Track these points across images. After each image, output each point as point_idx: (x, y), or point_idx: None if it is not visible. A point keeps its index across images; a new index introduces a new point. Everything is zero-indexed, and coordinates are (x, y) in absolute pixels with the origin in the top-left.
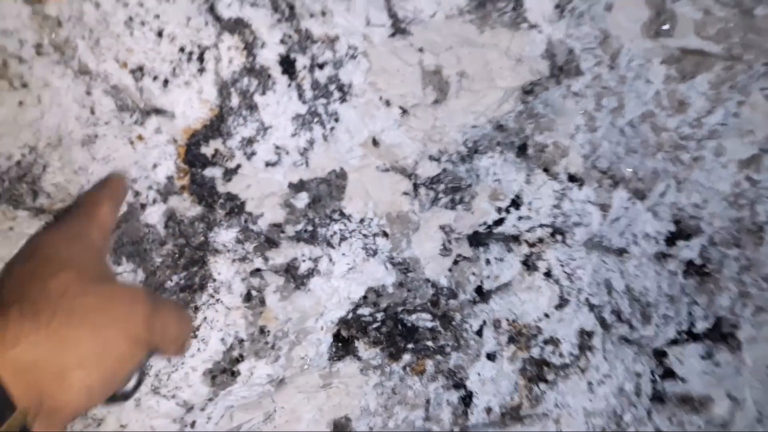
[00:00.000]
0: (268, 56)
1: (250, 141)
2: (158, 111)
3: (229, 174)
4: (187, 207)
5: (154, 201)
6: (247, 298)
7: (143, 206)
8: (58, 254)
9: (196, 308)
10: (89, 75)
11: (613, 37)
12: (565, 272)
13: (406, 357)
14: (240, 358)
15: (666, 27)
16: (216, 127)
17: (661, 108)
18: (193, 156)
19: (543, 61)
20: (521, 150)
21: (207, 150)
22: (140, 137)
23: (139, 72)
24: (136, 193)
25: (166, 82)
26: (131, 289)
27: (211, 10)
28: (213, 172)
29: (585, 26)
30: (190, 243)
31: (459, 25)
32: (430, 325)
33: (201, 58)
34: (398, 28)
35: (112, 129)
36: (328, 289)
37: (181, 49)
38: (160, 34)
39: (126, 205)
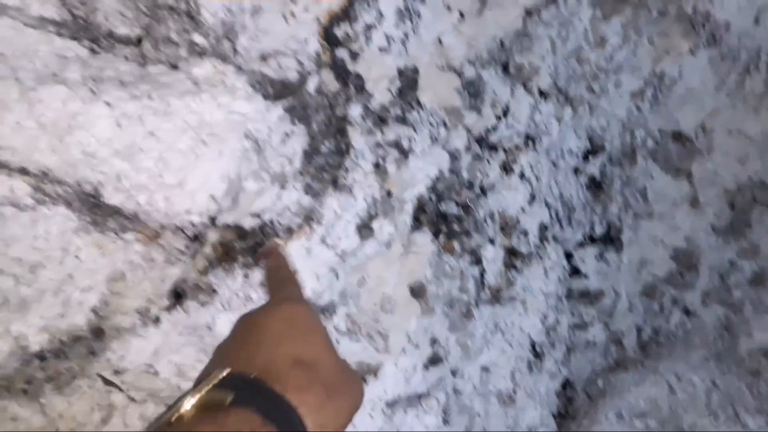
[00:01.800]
0: None
1: (369, 27)
2: None
3: (355, 55)
4: (331, 80)
5: (310, 73)
6: (376, 165)
7: (306, 76)
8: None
9: (347, 169)
10: None
11: None
12: (534, 174)
13: (441, 237)
14: (375, 215)
15: None
16: (347, 11)
17: (587, 42)
18: (330, 36)
19: None
20: (505, 68)
21: (339, 32)
22: (292, 14)
23: None
24: (301, 63)
25: None
26: (357, 377)
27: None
28: (343, 53)
29: None
30: (336, 113)
31: None
32: (456, 211)
33: None
34: None
35: (273, 3)
36: (416, 166)
37: None
38: None
39: (297, 74)
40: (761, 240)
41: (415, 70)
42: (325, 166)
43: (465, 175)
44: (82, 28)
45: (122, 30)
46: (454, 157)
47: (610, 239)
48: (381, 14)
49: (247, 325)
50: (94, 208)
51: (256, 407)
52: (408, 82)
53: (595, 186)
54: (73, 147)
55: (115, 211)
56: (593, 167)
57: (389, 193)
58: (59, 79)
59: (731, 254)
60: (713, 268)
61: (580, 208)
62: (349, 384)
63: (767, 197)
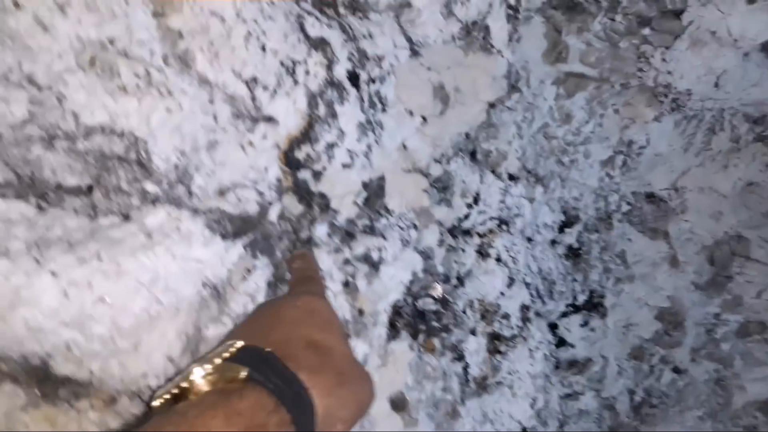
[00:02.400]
0: (341, 71)
1: (331, 145)
2: (267, 119)
3: (318, 175)
4: (294, 205)
5: (271, 201)
6: (346, 284)
7: (267, 205)
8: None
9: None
10: (209, 84)
11: (528, 62)
12: (510, 256)
13: (420, 337)
14: (347, 337)
15: (562, 55)
16: (307, 133)
17: (553, 120)
18: (291, 160)
19: (505, 80)
20: (473, 155)
21: (300, 154)
22: (250, 143)
23: (252, 82)
24: (261, 193)
25: (273, 92)
26: (369, 376)
27: (302, 28)
28: (306, 174)
29: (517, 53)
30: (300, 237)
31: (453, 49)
32: (433, 307)
33: (294, 72)
34: (413, 50)
35: (228, 135)
36: (387, 275)
37: (281, 63)
38: (264, 48)
39: (257, 205)
40: (743, 291)
41: (381, 179)
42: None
43: (440, 269)
44: (27, 186)
45: (71, 181)
46: (427, 256)
47: (594, 306)
48: (342, 132)
49: (264, 309)
50: (44, 381)
51: (270, 387)
52: (374, 191)
53: (574, 255)
54: (17, 323)
55: (67, 381)
56: (570, 237)
57: (361, 312)
58: (1, 250)
59: (716, 308)
60: (699, 324)
61: (560, 280)
62: (360, 377)
63: (745, 249)
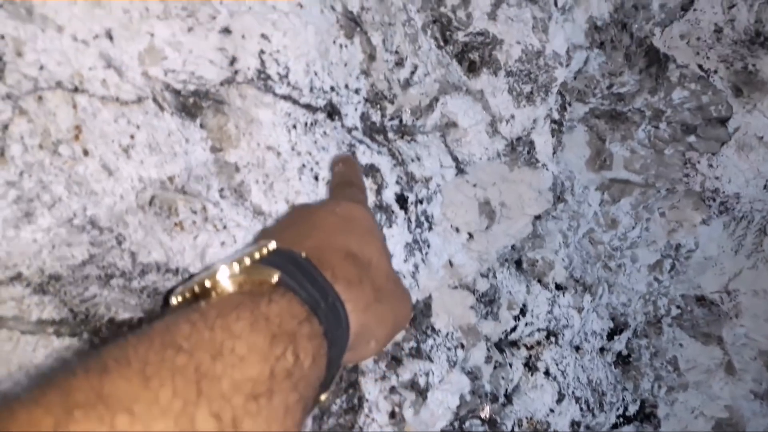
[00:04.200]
0: (390, 195)
1: None
2: None
3: None
4: None
5: None
6: (392, 415)
7: None
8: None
9: (361, 429)
10: (263, 215)
11: (572, 170)
12: (559, 370)
13: None
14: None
15: (606, 162)
16: None
17: (598, 225)
18: None
19: (550, 193)
20: (518, 264)
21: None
22: None
23: None
24: None
25: None
26: (408, 293)
27: (353, 156)
28: None
29: (561, 163)
30: (346, 367)
31: (498, 165)
32: (481, 429)
33: None
34: (459, 169)
35: None
36: (434, 401)
37: None
38: (317, 178)
39: None
40: None
41: (428, 298)
42: (335, 430)
43: (487, 387)
44: (81, 322)
45: (123, 315)
46: (474, 376)
47: (646, 416)
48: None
49: (300, 211)
50: None
51: (303, 295)
52: (420, 311)
53: (624, 362)
54: None
55: None
56: (619, 344)
57: None
58: None
59: None
60: None
61: (610, 390)
62: (398, 295)
63: None
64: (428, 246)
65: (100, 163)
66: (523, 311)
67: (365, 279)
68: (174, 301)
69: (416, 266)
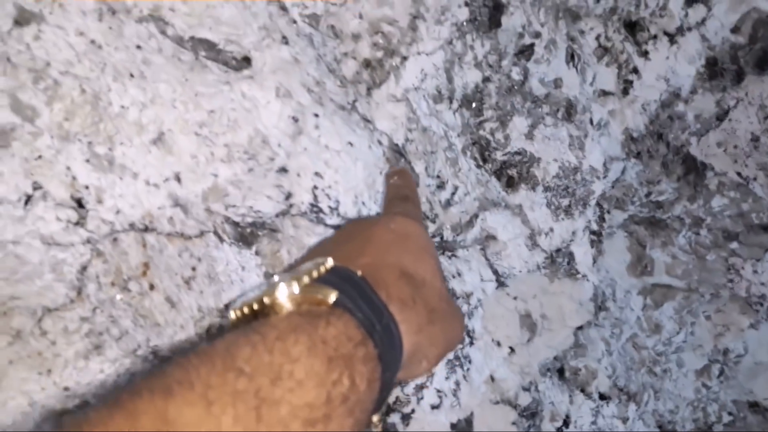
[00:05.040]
0: None
1: (420, 387)
2: None
3: (407, 418)
4: None
5: None
6: None
7: None
8: (408, 243)
9: None
10: None
11: (613, 277)
12: None
13: None
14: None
15: (647, 268)
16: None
17: (642, 330)
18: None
19: (591, 303)
20: (560, 373)
21: (390, 398)
22: None
23: None
24: None
25: None
26: (461, 313)
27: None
28: (395, 418)
29: (601, 271)
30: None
31: (538, 277)
32: None
33: None
34: (499, 282)
35: None
36: None
37: None
38: None
39: None
40: None
41: (470, 416)
42: None
43: None
44: None
45: None
46: None
47: None
48: (431, 372)
49: (355, 226)
50: None
51: (359, 316)
52: (462, 430)
53: None
54: None
55: None
56: None
57: None
58: None
59: None
60: None
61: None
62: (451, 315)
63: None
64: (470, 362)
65: (164, 296)
66: (566, 422)
67: (419, 299)
68: (233, 315)
69: (458, 383)
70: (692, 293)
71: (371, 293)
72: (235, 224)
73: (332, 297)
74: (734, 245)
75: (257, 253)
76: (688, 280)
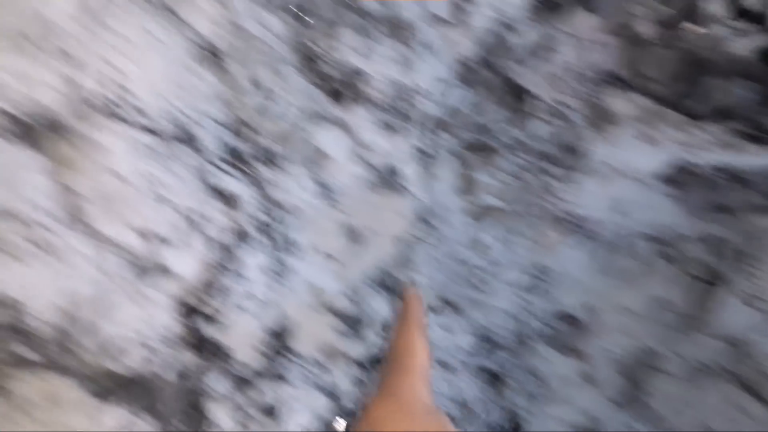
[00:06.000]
0: (249, 220)
1: (233, 292)
2: (163, 270)
3: (216, 323)
4: (189, 357)
5: (162, 353)
6: None
7: (157, 358)
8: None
9: None
10: (101, 239)
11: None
12: None
13: None
14: None
15: (473, 190)
16: (208, 282)
17: (466, 247)
18: (188, 309)
19: (416, 217)
20: (386, 287)
21: (198, 303)
22: (144, 296)
23: (149, 234)
24: (152, 349)
25: (171, 243)
26: None
27: (207, 181)
28: (204, 324)
29: (429, 190)
30: (193, 389)
31: (365, 192)
32: None
33: (196, 222)
34: (326, 195)
35: (120, 289)
36: (293, 423)
37: (182, 215)
38: (164, 200)
39: (146, 361)
40: (659, 405)
41: (288, 321)
42: None
43: (350, 405)
44: None
45: None
46: (335, 396)
47: (515, 428)
48: (246, 278)
49: None
50: None
51: None
52: (280, 335)
53: (493, 378)
54: None
55: None
56: (489, 361)
57: None
58: None
59: (631, 422)
60: None
61: (480, 406)
62: None
63: (656, 362)
64: (290, 270)
65: None
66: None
67: None
68: None
69: (276, 290)
70: (513, 213)
71: None
72: (13, 118)
73: None
74: (551, 167)
75: (42, 152)
76: (510, 201)
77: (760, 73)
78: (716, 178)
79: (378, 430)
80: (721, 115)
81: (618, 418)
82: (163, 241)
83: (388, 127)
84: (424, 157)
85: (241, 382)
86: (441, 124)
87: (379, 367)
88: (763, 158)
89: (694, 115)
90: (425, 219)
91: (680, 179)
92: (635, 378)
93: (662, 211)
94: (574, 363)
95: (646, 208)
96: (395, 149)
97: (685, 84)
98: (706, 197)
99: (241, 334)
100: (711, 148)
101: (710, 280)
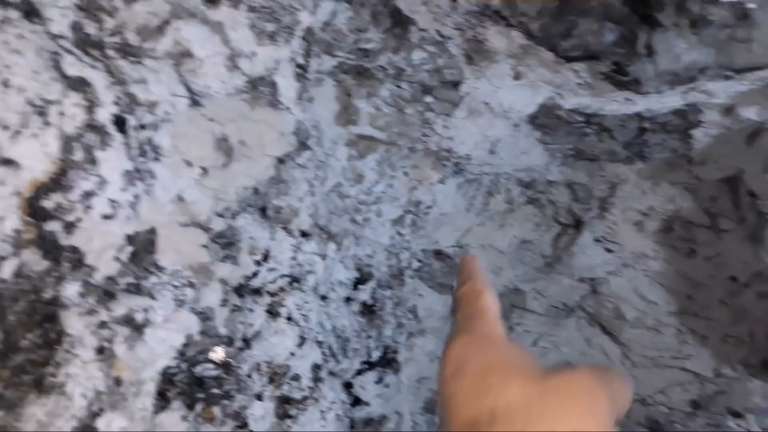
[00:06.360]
0: (105, 114)
1: (89, 194)
2: (5, 162)
3: (71, 227)
4: (36, 261)
5: (5, 257)
6: (100, 350)
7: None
8: (484, 364)
9: (57, 364)
10: None
11: (320, 123)
12: (302, 315)
13: (198, 406)
14: (99, 412)
15: (353, 118)
16: (59, 180)
17: (346, 179)
18: (36, 209)
19: (293, 137)
20: (262, 211)
21: (49, 203)
22: None
23: None
24: None
25: (14, 132)
26: (576, 374)
27: (58, 66)
28: (55, 226)
29: (308, 112)
30: (41, 298)
31: (237, 102)
32: (214, 373)
33: (47, 112)
34: (193, 100)
35: None
36: (155, 338)
37: (28, 102)
38: (6, 84)
39: None
40: (522, 340)
41: (151, 232)
42: (25, 367)
43: (223, 331)
44: None
45: None
46: (206, 317)
47: (388, 362)
48: (103, 179)
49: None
50: None
51: None
52: (142, 246)
53: (368, 311)
54: None
55: None
56: (364, 294)
57: (118, 381)
58: None
59: None
60: None
61: (354, 337)
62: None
63: (522, 301)
64: (153, 177)
65: None
66: (265, 257)
67: None
68: None
69: (137, 197)
70: (392, 146)
71: None
72: None
73: None
74: (429, 99)
75: None
76: (389, 133)
77: (623, 16)
78: (581, 125)
79: (463, 365)
80: (591, 57)
81: None
82: (8, 129)
83: (264, 34)
84: (303, 75)
85: (104, 295)
86: (322, 43)
87: (451, 319)
88: (624, 106)
89: (566, 57)
90: (304, 143)
91: (549, 124)
92: (502, 314)
93: (532, 155)
94: (446, 299)
95: (517, 152)
96: (270, 59)
97: (561, 24)
98: (571, 142)
99: (103, 243)
100: (578, 92)
101: (572, 224)
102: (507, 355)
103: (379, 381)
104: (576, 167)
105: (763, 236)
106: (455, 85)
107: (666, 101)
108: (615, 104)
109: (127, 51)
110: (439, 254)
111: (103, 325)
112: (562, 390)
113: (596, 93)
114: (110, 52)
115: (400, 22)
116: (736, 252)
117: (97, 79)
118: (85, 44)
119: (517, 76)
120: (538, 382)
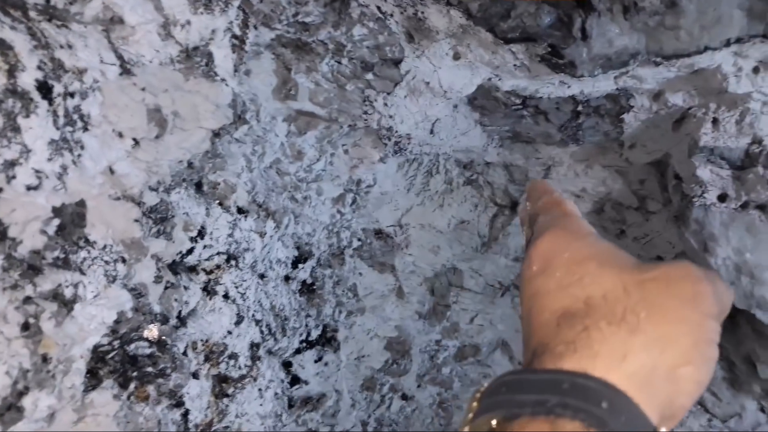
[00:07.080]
0: (28, 80)
1: (11, 164)
2: None
3: None
4: None
5: None
6: (25, 326)
7: None
8: (576, 255)
9: None
10: None
11: (258, 97)
12: (239, 293)
13: (131, 385)
14: (25, 391)
15: (292, 93)
16: None
17: (285, 156)
18: None
19: (229, 109)
20: (198, 186)
21: None
22: None
23: None
24: None
25: None
26: (678, 265)
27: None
28: None
29: (245, 85)
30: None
31: (171, 72)
32: (148, 351)
33: None
34: (124, 69)
35: None
36: (84, 315)
37: None
38: None
39: None
40: (459, 318)
41: (80, 205)
42: None
43: (157, 308)
44: None
45: None
46: (139, 293)
47: (327, 340)
48: (27, 148)
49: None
50: None
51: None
52: (70, 219)
53: (308, 290)
54: None
55: None
56: (304, 273)
57: (46, 358)
58: None
59: (437, 335)
60: (423, 351)
61: (294, 315)
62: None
63: (459, 280)
64: (82, 147)
65: None
66: (201, 233)
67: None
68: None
69: (65, 168)
70: (333, 123)
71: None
72: None
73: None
74: (370, 77)
75: None
76: (329, 109)
77: None
78: (518, 107)
79: (552, 260)
80: (528, 39)
81: (424, 330)
82: None
83: (201, 4)
84: (240, 46)
85: (28, 270)
86: (259, 15)
87: (524, 232)
88: (559, 89)
89: (505, 38)
90: (240, 116)
91: (487, 105)
92: (441, 292)
93: (471, 136)
94: (385, 277)
95: (457, 133)
96: (205, 29)
97: (500, 5)
98: (508, 124)
99: (27, 215)
100: (516, 74)
101: (508, 205)
102: (600, 246)
103: (318, 359)
104: (513, 149)
105: (687, 217)
106: (396, 63)
107: (599, 85)
108: (551, 87)
109: (51, 14)
110: (379, 233)
111: (28, 300)
112: (662, 279)
113: (533, 75)
114: (33, 14)
115: None
116: (663, 233)
117: (19, 41)
118: (5, 3)
119: (457, 56)
120: (636, 271)
